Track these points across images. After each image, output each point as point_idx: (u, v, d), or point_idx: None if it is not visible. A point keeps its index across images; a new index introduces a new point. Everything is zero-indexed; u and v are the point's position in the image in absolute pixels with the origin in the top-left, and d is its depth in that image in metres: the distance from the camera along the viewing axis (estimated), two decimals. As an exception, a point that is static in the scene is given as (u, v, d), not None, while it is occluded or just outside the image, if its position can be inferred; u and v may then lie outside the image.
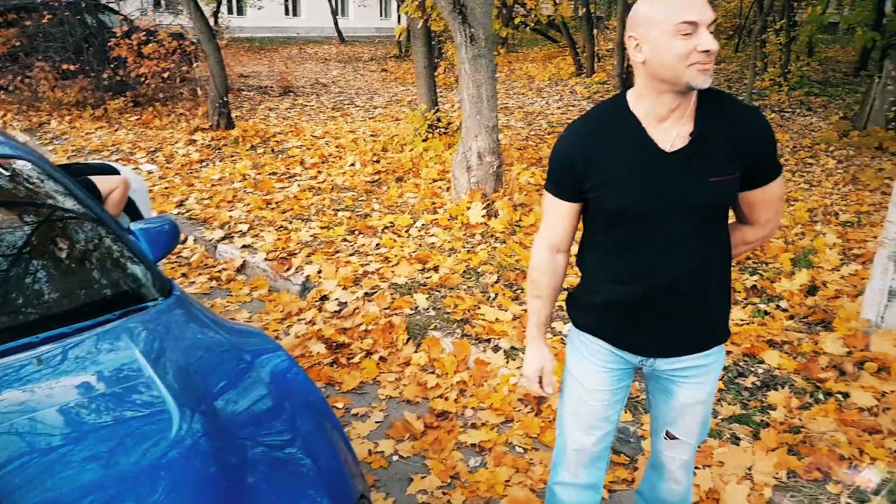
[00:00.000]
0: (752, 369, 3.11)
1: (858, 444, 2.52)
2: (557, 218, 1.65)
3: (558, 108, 10.76)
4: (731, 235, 1.63)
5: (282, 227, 5.11)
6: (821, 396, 2.86)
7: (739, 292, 3.90)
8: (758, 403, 2.85)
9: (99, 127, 9.26)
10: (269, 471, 1.51)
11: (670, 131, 1.47)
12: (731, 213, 1.63)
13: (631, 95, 1.52)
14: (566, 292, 1.86)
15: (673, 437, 1.75)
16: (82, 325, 1.76)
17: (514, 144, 7.92)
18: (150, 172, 7.08)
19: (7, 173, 2.18)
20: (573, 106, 10.87)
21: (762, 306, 3.72)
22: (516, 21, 9.36)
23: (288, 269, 4.39)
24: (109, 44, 9.68)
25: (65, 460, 1.39)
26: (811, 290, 3.87)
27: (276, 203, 5.68)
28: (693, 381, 1.65)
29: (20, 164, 2.21)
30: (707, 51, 1.35)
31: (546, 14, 8.44)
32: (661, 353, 1.62)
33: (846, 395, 2.84)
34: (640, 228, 1.52)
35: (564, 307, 1.83)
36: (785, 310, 3.68)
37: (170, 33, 10.24)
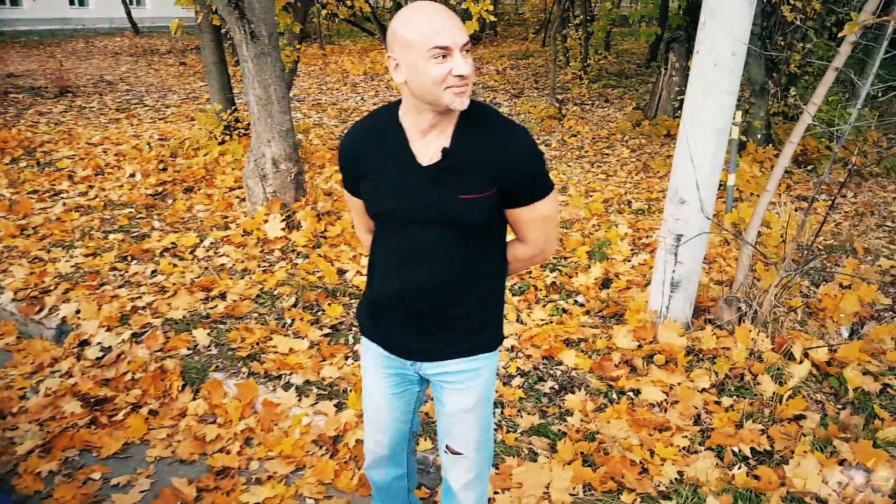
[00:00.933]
0: (551, 372, 3.06)
1: (649, 445, 2.52)
2: (357, 211, 1.72)
3: (374, 104, 10.52)
4: (508, 249, 1.67)
5: (37, 258, 4.33)
6: (614, 396, 2.86)
7: (541, 290, 3.89)
8: (556, 410, 2.78)
9: None
10: None
11: (431, 145, 1.49)
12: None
13: (402, 106, 1.53)
14: None
15: (453, 452, 1.76)
16: None
17: (327, 144, 7.54)
18: None
19: None
20: (389, 101, 10.69)
21: (561, 303, 3.73)
22: (324, 13, 8.91)
23: (40, 311, 3.68)
24: None
25: None
26: (605, 282, 3.95)
27: (34, 228, 4.83)
28: (458, 387, 1.67)
29: None
30: (461, 75, 1.36)
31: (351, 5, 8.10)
32: (420, 356, 1.66)
33: (637, 392, 2.87)
34: (399, 234, 1.56)
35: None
36: (582, 305, 3.72)
37: None
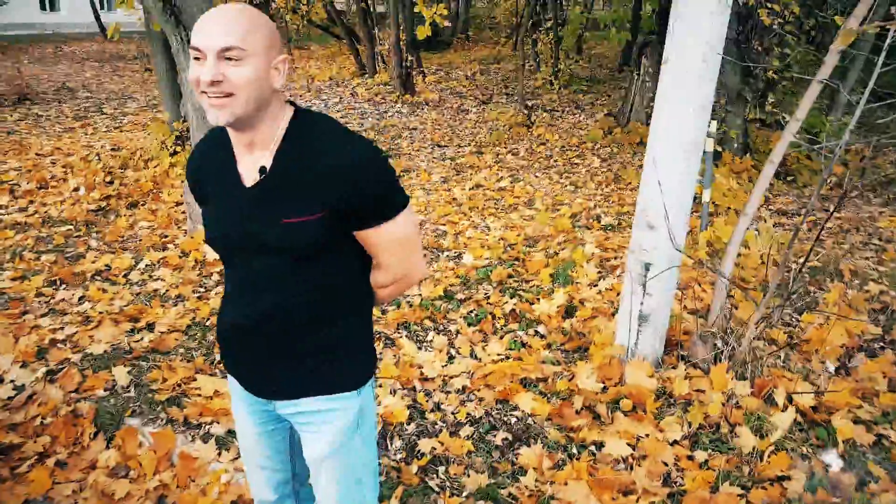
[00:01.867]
0: (505, 419, 2.76)
1: (611, 511, 2.24)
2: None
3: (338, 111, 10.18)
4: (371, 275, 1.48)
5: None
6: (574, 451, 2.57)
7: (499, 318, 3.60)
8: (508, 466, 2.49)
9: None
10: None
11: (256, 164, 1.32)
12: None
13: None
14: None
15: None
16: None
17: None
18: None
19: None
20: (353, 109, 10.36)
21: (521, 333, 3.45)
22: (290, 18, 8.57)
23: (-55, 345, 3.30)
24: None
25: None
26: (569, 310, 3.68)
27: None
28: (311, 431, 1.48)
29: None
30: (210, 81, 1.18)
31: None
32: (262, 392, 1.47)
33: (601, 446, 2.58)
34: (228, 262, 1.42)
35: None
36: (543, 336, 3.44)
37: None
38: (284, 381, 1.44)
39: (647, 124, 9.17)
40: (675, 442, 2.57)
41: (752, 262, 4.15)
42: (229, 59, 1.18)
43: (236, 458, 2.53)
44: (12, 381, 3.04)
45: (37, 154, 7.02)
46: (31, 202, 5.44)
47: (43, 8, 25.65)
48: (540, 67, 13.40)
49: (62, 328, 3.42)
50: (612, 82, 13.38)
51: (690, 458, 2.50)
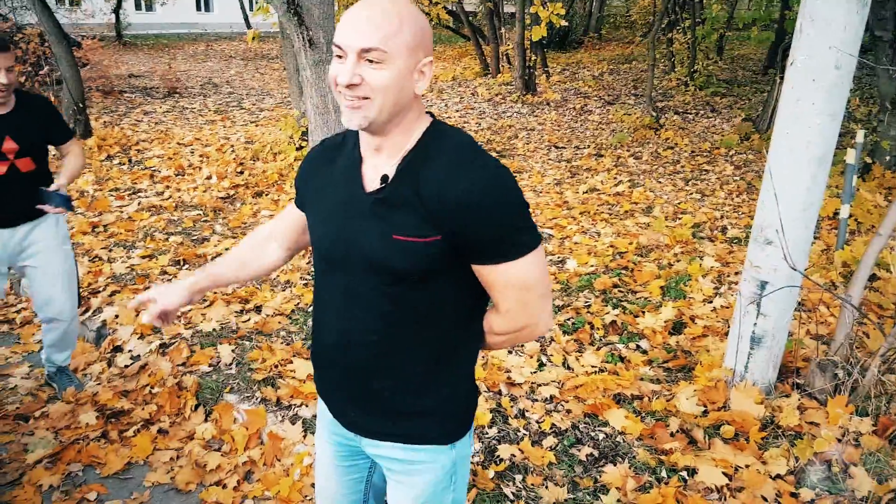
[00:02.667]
0: (592, 434, 2.63)
1: (696, 544, 2.06)
2: (286, 214, 1.50)
3: (457, 111, 10.27)
4: (485, 319, 1.31)
5: (97, 256, 4.37)
6: (664, 474, 2.40)
7: (598, 329, 3.44)
8: (590, 483, 2.37)
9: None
10: None
11: (379, 169, 1.21)
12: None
13: None
14: None
15: None
16: None
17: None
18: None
19: None
20: (472, 108, 10.41)
21: (620, 347, 3.28)
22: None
23: (86, 312, 3.68)
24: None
25: None
26: (677, 326, 3.45)
27: (105, 226, 4.92)
28: (395, 479, 1.36)
29: None
30: (346, 84, 1.10)
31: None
32: (353, 427, 1.35)
33: (693, 472, 2.39)
34: (328, 274, 1.28)
35: None
36: (645, 352, 3.25)
37: (38, 33, 9.22)
38: (369, 418, 1.31)
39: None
40: (779, 476, 2.33)
41: (892, 287, 3.68)
42: (370, 60, 1.09)
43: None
44: (130, 350, 3.33)
45: (178, 143, 7.68)
46: (168, 187, 5.94)
47: (198, 8, 28.03)
48: (675, 68, 12.78)
49: (182, 305, 3.70)
50: (754, 86, 12.49)
51: (794, 495, 2.25)
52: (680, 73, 12.28)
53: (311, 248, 1.36)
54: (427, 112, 1.24)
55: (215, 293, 3.80)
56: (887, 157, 6.45)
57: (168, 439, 2.77)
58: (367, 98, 1.10)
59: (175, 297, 1.47)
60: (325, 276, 1.29)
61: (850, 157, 4.06)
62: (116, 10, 17.11)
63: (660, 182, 6.70)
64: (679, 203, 5.91)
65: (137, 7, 25.67)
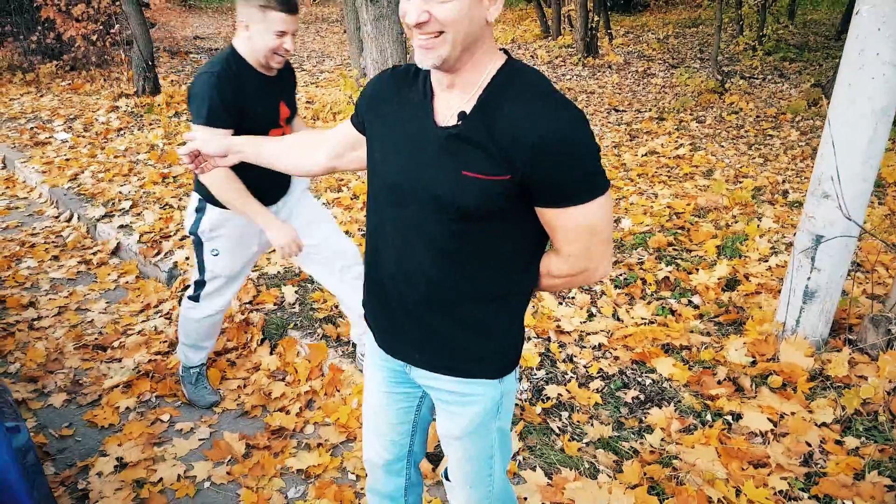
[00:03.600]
0: (639, 380, 2.70)
1: (737, 482, 2.12)
2: (339, 130, 1.52)
3: (516, 73, 10.19)
4: (542, 259, 1.34)
5: (168, 205, 4.63)
6: (708, 417, 2.45)
7: (650, 285, 3.47)
8: (635, 423, 2.44)
9: (26, 93, 8.70)
10: None
11: (452, 105, 1.21)
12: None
13: None
14: None
15: (447, 478, 1.56)
16: None
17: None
18: (63, 142, 6.56)
19: None
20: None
21: (672, 301, 3.30)
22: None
23: (157, 254, 3.93)
24: (36, 4, 9.01)
25: None
26: (730, 283, 3.45)
27: (175, 177, 5.18)
28: (446, 409, 1.42)
29: None
30: (417, 23, 1.11)
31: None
32: (400, 356, 1.42)
33: (738, 417, 2.44)
34: (392, 205, 1.29)
35: None
36: (696, 307, 3.26)
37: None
38: (424, 350, 1.36)
39: None
40: (825, 424, 2.35)
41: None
42: (439, 2, 1.08)
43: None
44: (203, 290, 3.55)
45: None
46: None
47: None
48: (743, 31, 12.27)
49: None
50: (826, 51, 11.88)
51: (839, 442, 2.27)
52: (748, 38, 11.79)
53: (366, 176, 1.44)
54: (501, 48, 1.23)
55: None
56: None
57: (236, 370, 2.98)
58: (440, 33, 1.10)
59: (213, 145, 1.57)
60: (388, 207, 1.29)
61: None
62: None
63: (722, 146, 6.56)
64: (741, 167, 5.79)
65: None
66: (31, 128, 7.07)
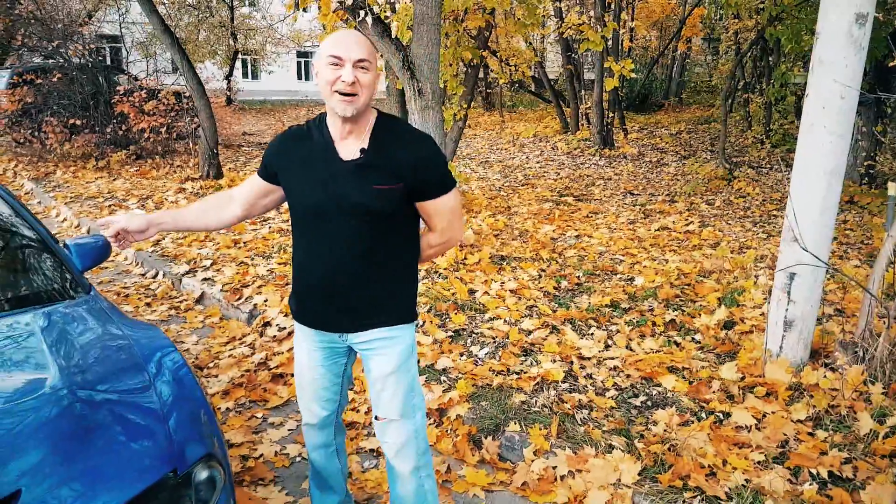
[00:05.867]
0: (647, 391, 3.26)
1: (724, 456, 2.65)
2: (247, 185, 2.04)
3: (537, 162, 11.12)
4: (421, 238, 1.99)
5: (243, 262, 5.39)
6: (703, 415, 3.00)
7: (658, 326, 4.06)
8: (643, 419, 2.99)
9: (99, 177, 9.75)
10: (122, 420, 1.81)
11: (350, 147, 1.83)
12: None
13: (327, 115, 1.88)
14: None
15: (379, 419, 2.02)
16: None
17: (486, 194, 8.22)
18: (138, 216, 7.45)
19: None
20: (552, 160, 11.23)
21: (677, 338, 3.88)
22: (501, 81, 9.79)
23: (239, 299, 4.63)
24: (113, 101, 10.28)
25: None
26: (727, 324, 4.02)
27: (244, 243, 5.98)
28: (381, 353, 1.94)
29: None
30: (351, 82, 1.70)
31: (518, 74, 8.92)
32: (348, 327, 1.93)
33: (727, 415, 2.98)
34: (314, 224, 1.85)
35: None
36: (698, 342, 3.84)
37: (173, 92, 10.86)
38: (364, 315, 1.89)
39: (861, 183, 8.83)
40: (799, 421, 2.88)
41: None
42: (363, 68, 1.69)
43: (427, 382, 3.34)
44: (278, 325, 4.22)
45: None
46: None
47: (299, 77, 30.68)
48: (751, 126, 13.24)
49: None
50: (832, 143, 12.75)
51: (811, 434, 2.79)
52: (756, 132, 12.73)
53: (287, 210, 1.99)
54: (372, 107, 1.83)
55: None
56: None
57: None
58: (355, 95, 1.69)
59: (135, 222, 1.94)
60: (311, 227, 1.85)
61: (892, 189, 4.57)
62: (228, 77, 19.38)
63: (729, 224, 7.23)
64: (745, 241, 6.43)
65: (244, 75, 28.39)
66: (110, 205, 8.01)
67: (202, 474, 1.78)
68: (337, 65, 1.70)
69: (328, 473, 2.24)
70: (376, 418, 2.02)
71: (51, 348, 2.00)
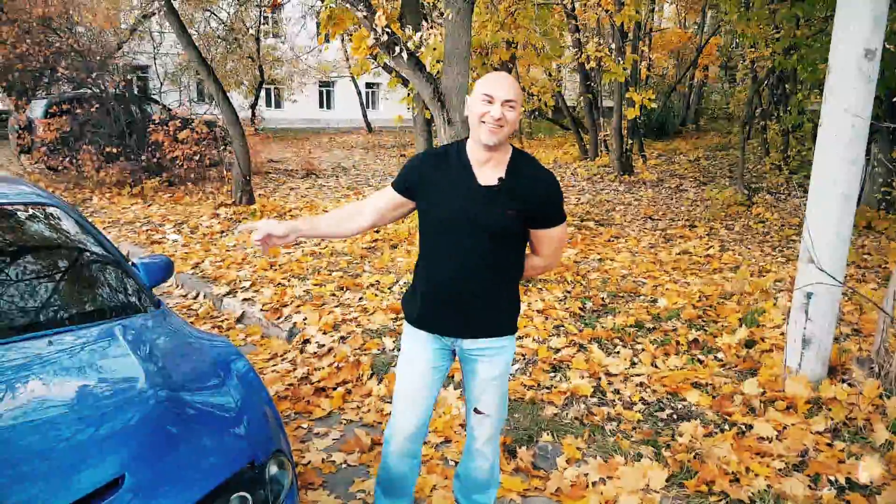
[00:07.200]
0: (673, 405, 3.43)
1: (746, 464, 2.81)
2: (380, 197, 2.22)
3: (560, 188, 11.36)
4: (525, 259, 2.23)
5: (280, 283, 5.65)
6: (726, 427, 3.16)
7: (682, 345, 4.23)
8: (669, 431, 3.16)
9: (134, 203, 10.13)
10: (204, 416, 2.07)
11: (488, 173, 2.07)
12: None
13: (468, 142, 2.12)
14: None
15: (479, 412, 2.26)
16: (94, 324, 2.46)
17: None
18: (174, 241, 7.77)
19: (42, 216, 2.95)
20: (573, 186, 11.46)
21: (700, 356, 4.04)
22: (523, 110, 10.08)
23: (279, 318, 4.88)
24: (149, 130, 10.71)
25: (65, 392, 2.05)
26: (748, 343, 4.18)
27: (280, 265, 6.25)
28: (489, 360, 2.18)
29: (51, 210, 2.97)
30: (498, 118, 1.96)
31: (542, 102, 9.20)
32: (462, 334, 2.16)
33: (750, 427, 3.14)
34: (445, 234, 2.08)
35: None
36: (720, 360, 4.00)
37: (204, 121, 11.29)
38: (483, 322, 2.13)
39: (879, 209, 8.94)
40: (818, 432, 3.03)
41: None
42: (510, 107, 1.96)
43: (461, 397, 3.54)
44: (317, 342, 4.45)
45: (323, 210, 9.14)
46: (322, 240, 7.27)
47: (321, 106, 31.38)
48: (769, 153, 13.40)
49: (349, 313, 4.84)
50: (850, 169, 12.86)
51: (829, 444, 2.95)
52: (774, 159, 12.88)
53: (418, 220, 2.15)
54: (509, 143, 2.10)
55: (374, 307, 4.91)
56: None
57: (353, 395, 3.81)
58: (502, 127, 1.96)
59: (278, 228, 2.12)
60: (443, 240, 2.07)
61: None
62: (253, 106, 20.00)
63: (748, 248, 7.38)
64: (764, 265, 6.58)
65: (268, 104, 29.10)
66: (147, 230, 8.35)
67: (273, 468, 2.00)
68: (489, 101, 1.95)
69: (405, 481, 2.37)
70: (476, 411, 2.25)
71: (136, 354, 2.26)
